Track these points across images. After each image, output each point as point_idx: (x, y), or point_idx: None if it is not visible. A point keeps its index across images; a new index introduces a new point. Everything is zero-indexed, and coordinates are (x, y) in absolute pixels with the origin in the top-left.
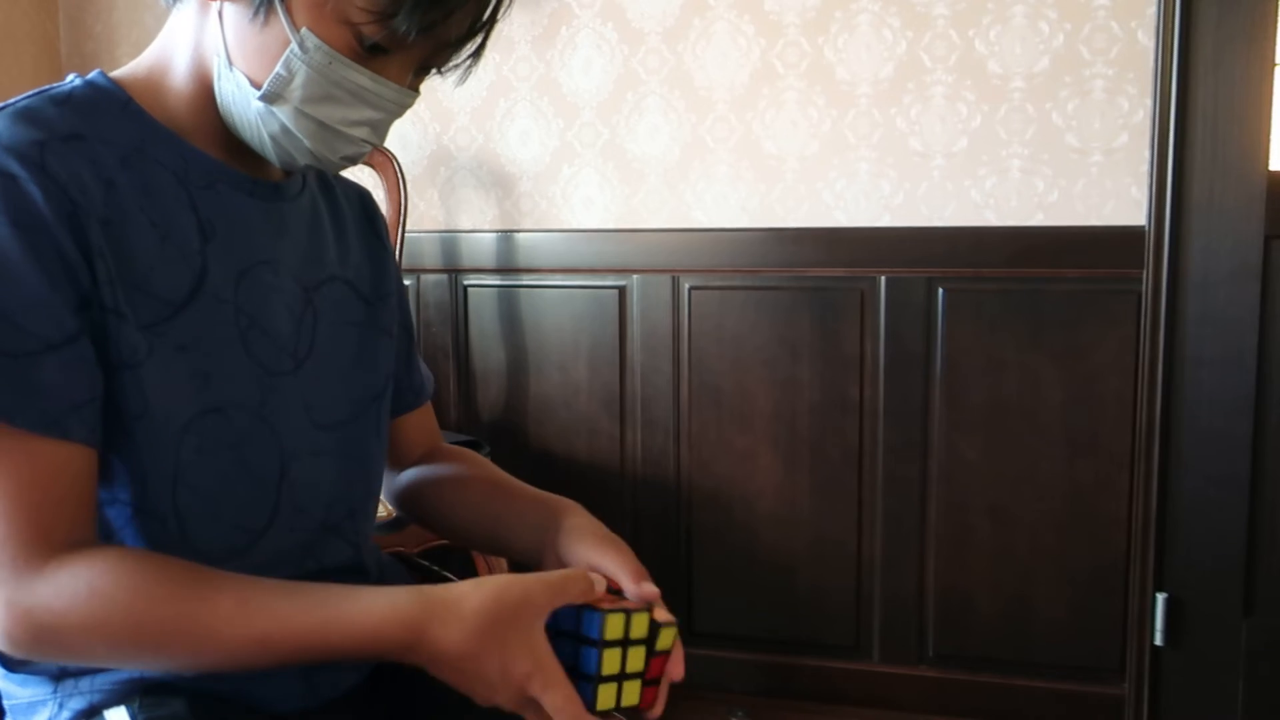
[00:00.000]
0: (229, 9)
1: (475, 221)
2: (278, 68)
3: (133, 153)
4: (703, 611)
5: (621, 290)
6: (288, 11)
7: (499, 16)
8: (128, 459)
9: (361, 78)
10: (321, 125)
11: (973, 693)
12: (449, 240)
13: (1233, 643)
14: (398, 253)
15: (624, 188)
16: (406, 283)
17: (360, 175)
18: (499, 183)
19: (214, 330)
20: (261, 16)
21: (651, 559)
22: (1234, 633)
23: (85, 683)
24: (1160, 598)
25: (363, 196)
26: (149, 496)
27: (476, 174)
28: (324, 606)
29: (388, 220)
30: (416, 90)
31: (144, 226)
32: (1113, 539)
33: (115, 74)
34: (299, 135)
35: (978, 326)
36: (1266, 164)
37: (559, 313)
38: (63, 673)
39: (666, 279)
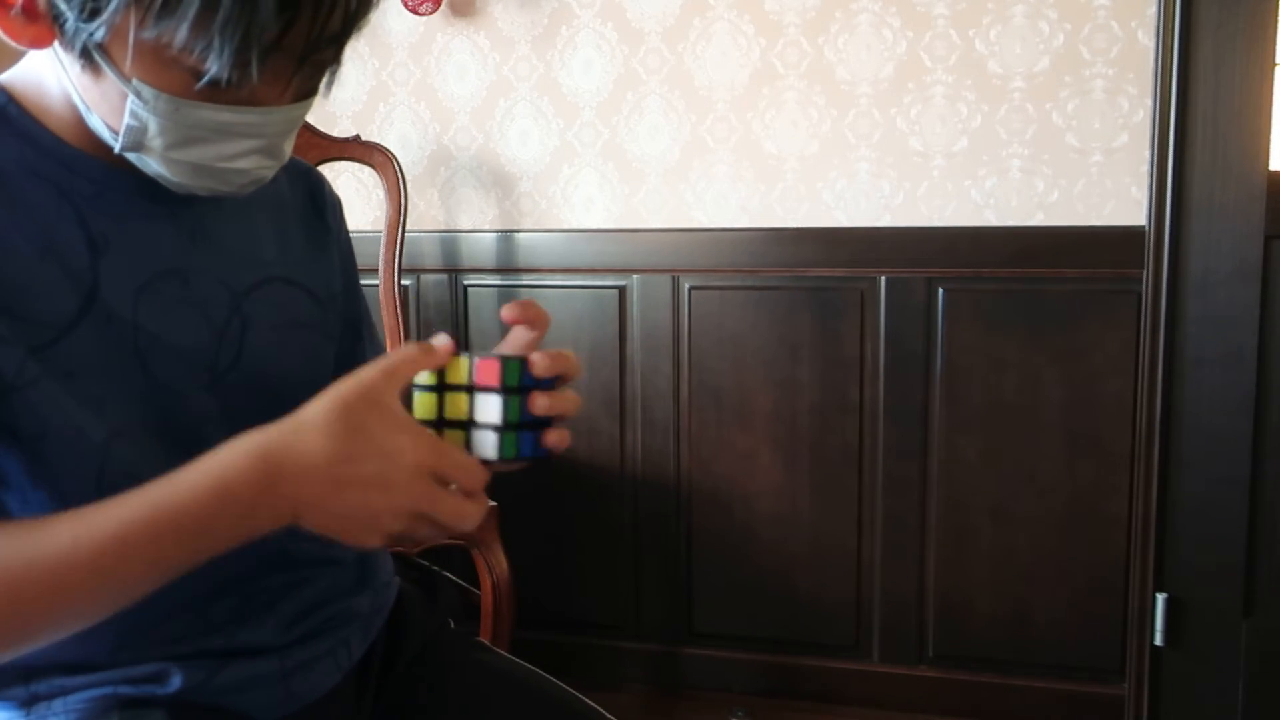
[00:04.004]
0: (64, 56)
1: (475, 221)
2: (126, 119)
3: (7, 163)
4: (703, 611)
5: (621, 290)
6: (111, 62)
7: (355, 21)
8: (42, 481)
9: (220, 114)
10: (198, 167)
11: (973, 693)
12: (449, 240)
13: (1233, 643)
14: (398, 252)
15: (624, 188)
16: (406, 283)
17: (360, 175)
18: (499, 183)
19: (105, 352)
20: (90, 68)
21: (651, 559)
22: (1234, 633)
23: (58, 704)
24: (1160, 598)
25: (309, 179)
26: None
27: (476, 174)
28: (170, 476)
29: (388, 220)
30: (310, 92)
31: (16, 244)
32: (1113, 539)
33: (1, 78)
34: (178, 180)
35: (978, 326)
36: (1266, 164)
37: (559, 313)
38: (33, 697)
39: (666, 279)
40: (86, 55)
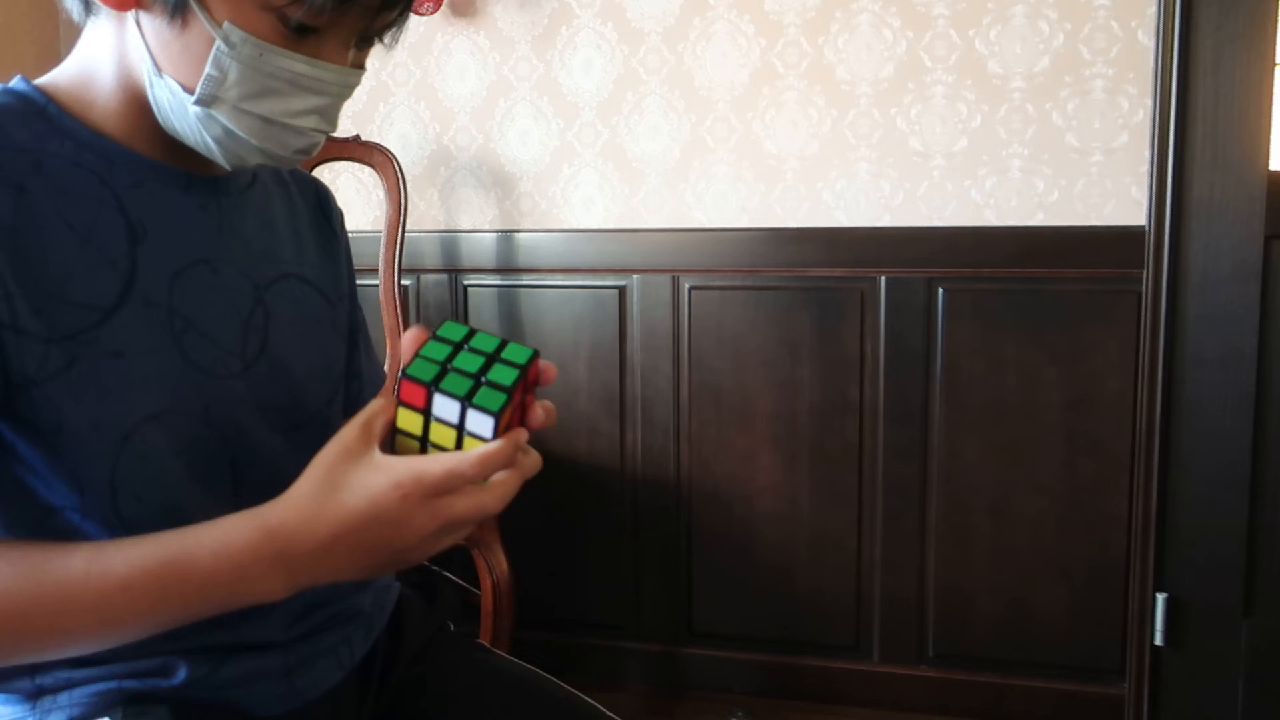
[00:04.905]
0: (145, 17)
1: (475, 221)
2: (208, 69)
3: (49, 157)
4: (703, 611)
5: (621, 290)
6: (205, 8)
7: None
8: (60, 470)
9: (297, 64)
10: (266, 121)
11: (973, 693)
12: (449, 240)
13: (1233, 643)
14: (398, 253)
15: (624, 188)
16: (406, 283)
17: (360, 175)
18: (499, 183)
19: (146, 335)
20: (179, 19)
21: (651, 559)
22: (1234, 633)
23: (64, 697)
24: (1160, 598)
25: (317, 188)
26: (89, 506)
27: (476, 174)
28: (180, 536)
29: (388, 220)
30: (361, 66)
31: (60, 231)
32: (1113, 539)
33: (40, 80)
34: (244, 135)
35: (978, 326)
36: (1266, 164)
37: (559, 313)
38: (39, 690)
39: (666, 279)
40: (179, 6)
